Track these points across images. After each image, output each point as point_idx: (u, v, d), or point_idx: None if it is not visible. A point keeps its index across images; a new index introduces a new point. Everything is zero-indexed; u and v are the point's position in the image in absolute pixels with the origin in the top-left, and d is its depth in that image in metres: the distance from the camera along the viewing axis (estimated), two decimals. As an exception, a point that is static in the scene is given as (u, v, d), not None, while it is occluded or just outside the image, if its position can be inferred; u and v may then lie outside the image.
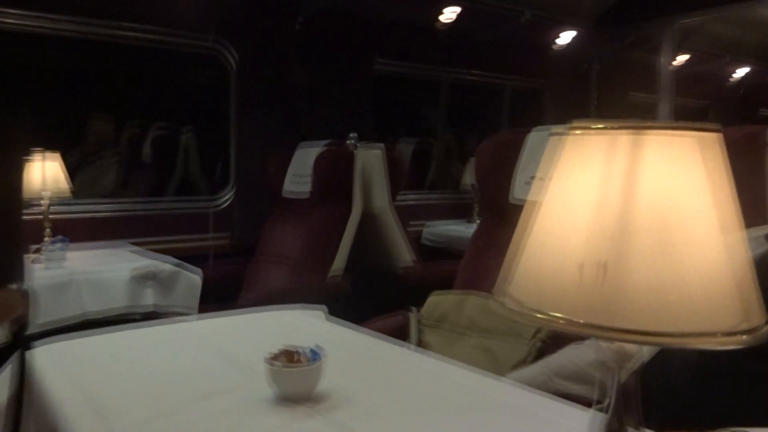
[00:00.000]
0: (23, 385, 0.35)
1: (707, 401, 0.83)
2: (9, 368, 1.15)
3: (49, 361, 1.21)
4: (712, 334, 0.47)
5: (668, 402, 0.82)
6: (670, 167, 0.50)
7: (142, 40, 3.09)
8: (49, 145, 2.64)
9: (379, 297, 2.41)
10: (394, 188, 3.08)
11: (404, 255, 3.06)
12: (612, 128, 0.51)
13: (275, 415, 0.99)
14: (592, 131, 0.53)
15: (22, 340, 0.34)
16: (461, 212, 4.21)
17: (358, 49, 3.65)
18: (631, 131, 0.50)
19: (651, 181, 0.49)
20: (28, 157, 2.40)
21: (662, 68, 4.12)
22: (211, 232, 3.25)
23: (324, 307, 1.65)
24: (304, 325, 1.58)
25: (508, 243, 0.58)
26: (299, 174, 2.98)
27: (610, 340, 0.52)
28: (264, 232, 3.12)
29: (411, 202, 4.01)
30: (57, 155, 2.64)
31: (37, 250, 2.41)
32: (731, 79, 5.48)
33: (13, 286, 0.29)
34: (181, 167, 3.83)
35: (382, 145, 3.08)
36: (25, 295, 0.29)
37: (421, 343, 1.85)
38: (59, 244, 2.44)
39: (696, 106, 5.61)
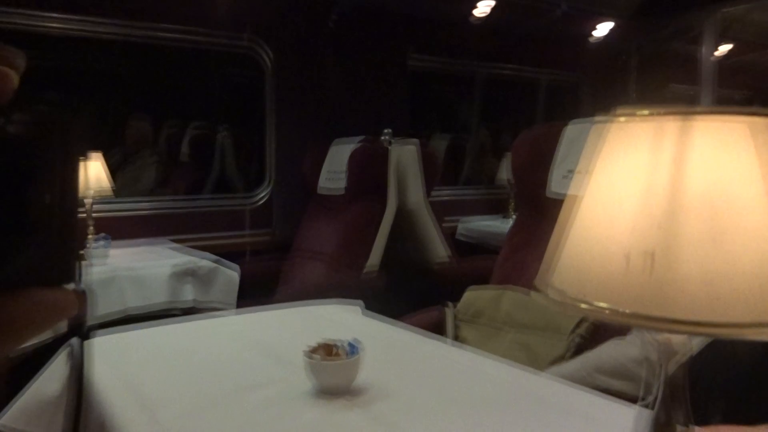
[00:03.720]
0: (82, 380, 0.36)
1: (759, 395, 0.80)
2: (58, 361, 1.19)
3: (93, 354, 1.23)
4: (765, 325, 0.45)
5: (718, 397, 0.79)
6: (720, 153, 0.48)
7: (178, 41, 3.14)
8: (91, 145, 2.71)
9: (414, 293, 2.41)
10: (429, 184, 3.07)
11: (439, 251, 3.05)
12: (659, 114, 0.50)
13: (314, 408, 1.00)
14: (637, 118, 0.51)
15: (80, 337, 0.35)
16: (496, 208, 4.17)
17: (392, 45, 3.65)
18: (678, 117, 0.49)
19: (700, 168, 0.48)
20: (85, 157, 2.47)
21: (704, 59, 4.00)
22: (248, 229, 3.29)
23: (360, 302, 1.66)
24: (341, 319, 1.58)
25: (545, 237, 0.57)
26: (334, 170, 3.00)
27: (659, 330, 0.50)
28: (300, 228, 3.15)
29: (446, 198, 4.00)
30: (99, 155, 2.71)
31: (83, 249, 2.48)
32: (776, 69, 5.30)
33: (70, 286, 0.29)
34: (218, 165, 3.89)
35: (416, 140, 3.07)
36: (81, 296, 0.29)
37: (457, 339, 1.84)
38: (102, 242, 2.50)
39: (739, 97, 5.45)
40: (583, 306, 0.50)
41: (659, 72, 4.53)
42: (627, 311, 0.47)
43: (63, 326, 0.34)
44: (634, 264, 0.47)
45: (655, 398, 0.56)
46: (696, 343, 0.83)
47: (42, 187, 0.29)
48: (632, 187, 0.50)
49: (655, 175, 0.49)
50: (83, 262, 0.32)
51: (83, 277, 0.32)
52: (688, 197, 0.47)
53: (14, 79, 0.28)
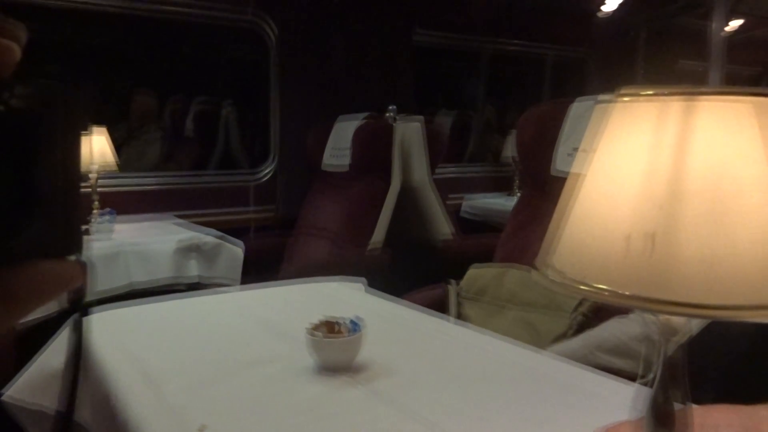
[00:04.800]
0: (80, 350, 0.36)
1: (756, 374, 0.81)
2: (63, 334, 1.20)
3: (99, 328, 1.25)
4: (765, 307, 0.45)
5: (716, 376, 0.80)
6: (724, 134, 0.47)
7: (183, 15, 3.11)
8: (96, 120, 2.71)
9: (417, 270, 2.41)
10: (434, 161, 3.06)
11: (443, 228, 3.05)
12: (663, 94, 0.49)
13: (316, 384, 1.01)
14: (641, 98, 0.51)
15: (79, 308, 0.35)
16: (501, 185, 4.17)
17: (397, 21, 3.60)
18: (683, 97, 0.48)
19: (703, 148, 0.47)
20: (88, 131, 2.47)
21: (714, 34, 3.94)
22: (252, 205, 3.30)
23: (363, 279, 1.66)
24: (344, 296, 1.59)
25: (549, 216, 0.57)
26: (338, 147, 2.99)
27: (658, 312, 0.50)
28: (304, 205, 3.15)
29: (450, 175, 3.99)
30: (104, 130, 2.71)
31: (86, 223, 2.49)
32: (788, 45, 5.22)
33: (72, 258, 0.30)
34: (222, 141, 3.88)
35: (421, 117, 3.05)
36: (83, 267, 0.30)
37: (460, 316, 1.84)
38: (107, 217, 2.51)
39: (749, 73, 5.38)
40: (583, 287, 0.50)
41: (668, 48, 4.47)
42: (627, 293, 0.47)
43: (64, 299, 0.34)
44: (634, 246, 0.47)
45: (655, 377, 0.57)
46: (696, 324, 0.83)
47: (45, 160, 0.29)
48: (634, 168, 0.49)
49: (657, 156, 0.48)
50: (85, 235, 0.32)
51: (85, 249, 0.32)
52: (691, 178, 0.47)
53: (16, 52, 0.28)
